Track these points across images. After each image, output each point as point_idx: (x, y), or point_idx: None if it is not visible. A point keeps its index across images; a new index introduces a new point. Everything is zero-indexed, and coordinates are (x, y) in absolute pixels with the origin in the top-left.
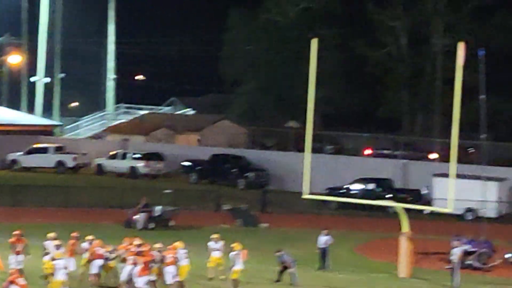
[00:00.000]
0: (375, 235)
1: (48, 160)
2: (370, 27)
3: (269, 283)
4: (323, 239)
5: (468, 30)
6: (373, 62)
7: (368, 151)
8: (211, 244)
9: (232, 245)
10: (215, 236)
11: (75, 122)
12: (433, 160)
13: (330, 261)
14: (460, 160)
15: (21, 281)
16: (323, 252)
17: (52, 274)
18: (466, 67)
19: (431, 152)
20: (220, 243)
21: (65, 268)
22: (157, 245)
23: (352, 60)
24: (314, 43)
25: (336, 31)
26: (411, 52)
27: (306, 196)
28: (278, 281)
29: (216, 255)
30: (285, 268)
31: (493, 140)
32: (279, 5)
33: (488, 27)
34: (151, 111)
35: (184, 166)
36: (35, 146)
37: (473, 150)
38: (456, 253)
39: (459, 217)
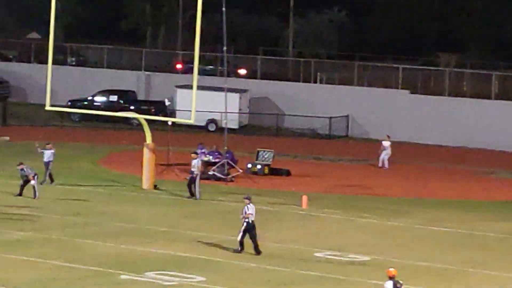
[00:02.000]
0: (119, 147)
1: None
2: None
3: (13, 196)
4: (48, 153)
5: None
6: None
7: (179, 66)
8: None
9: None
10: None
11: None
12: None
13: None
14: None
15: None
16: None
17: None
18: None
19: (239, 68)
20: None
21: None
22: None
23: None
24: None
25: None
26: None
27: (48, 108)
28: (19, 195)
29: None
30: (27, 181)
31: (234, 53)
32: None
33: None
34: None
35: None
36: None
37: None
38: (197, 164)
39: (202, 128)
